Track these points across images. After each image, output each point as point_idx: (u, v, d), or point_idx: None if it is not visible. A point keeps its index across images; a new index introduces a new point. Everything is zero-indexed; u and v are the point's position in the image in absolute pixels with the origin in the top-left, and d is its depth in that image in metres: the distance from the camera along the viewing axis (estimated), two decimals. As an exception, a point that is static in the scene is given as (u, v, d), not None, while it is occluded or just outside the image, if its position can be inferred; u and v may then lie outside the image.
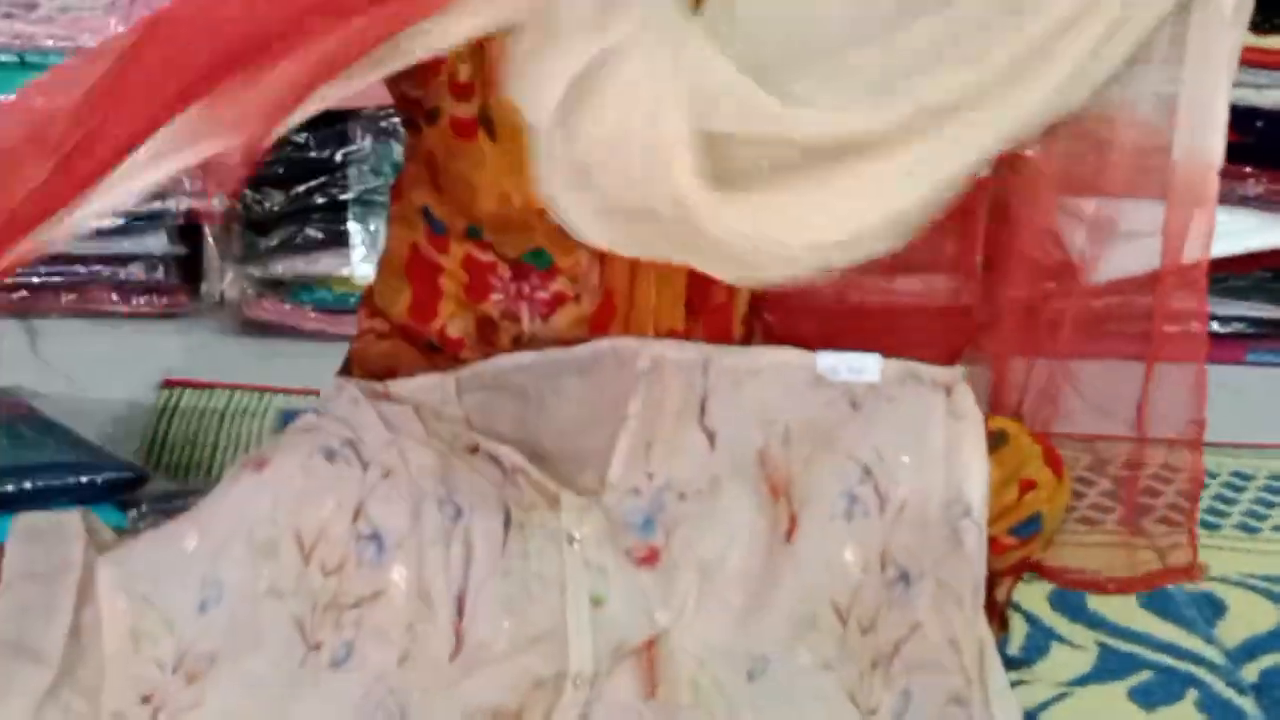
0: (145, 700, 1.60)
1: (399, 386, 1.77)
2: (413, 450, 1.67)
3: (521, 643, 1.67)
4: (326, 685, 1.62)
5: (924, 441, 1.72)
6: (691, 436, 1.77)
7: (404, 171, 1.90)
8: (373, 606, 1.63)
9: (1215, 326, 2.66)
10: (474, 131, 1.74)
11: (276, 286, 2.85)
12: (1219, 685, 1.92)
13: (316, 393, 2.34)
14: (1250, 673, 1.95)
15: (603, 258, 1.77)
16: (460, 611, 1.66)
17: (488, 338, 1.83)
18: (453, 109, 1.74)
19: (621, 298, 1.80)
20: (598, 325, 1.81)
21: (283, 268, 2.83)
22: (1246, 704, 1.89)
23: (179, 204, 2.79)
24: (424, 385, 1.78)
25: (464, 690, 1.66)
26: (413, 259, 1.85)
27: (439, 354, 1.86)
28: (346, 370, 1.91)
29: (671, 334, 1.81)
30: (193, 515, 1.67)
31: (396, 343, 1.89)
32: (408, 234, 1.86)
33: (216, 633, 1.60)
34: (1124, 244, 1.83)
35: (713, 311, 1.86)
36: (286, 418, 2.50)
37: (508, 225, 1.77)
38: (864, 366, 1.77)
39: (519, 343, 1.82)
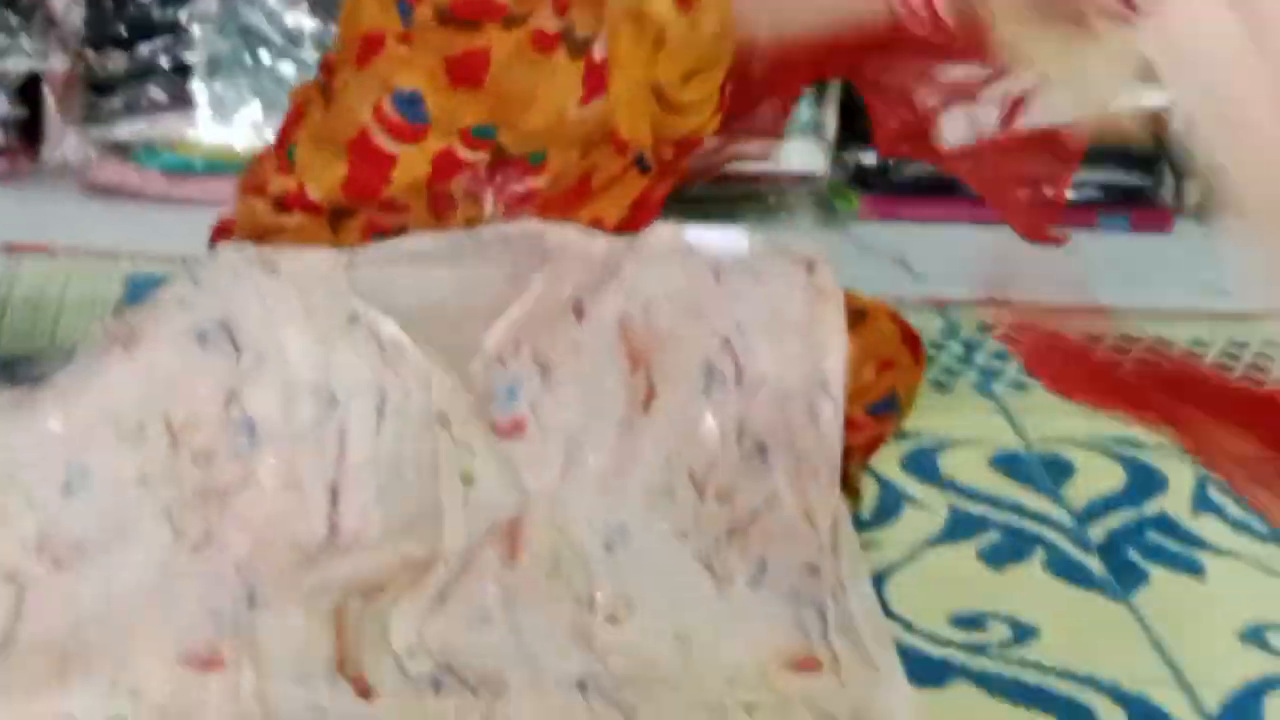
0: (9, 579, 1.57)
1: (288, 261, 1.72)
2: (288, 333, 1.64)
3: (395, 529, 1.66)
4: (185, 571, 1.60)
5: (784, 316, 1.72)
6: (562, 312, 1.77)
7: (380, 54, 1.82)
8: (240, 494, 1.61)
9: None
10: (555, 46, 1.71)
11: (120, 149, 2.80)
12: (1066, 545, 1.95)
13: (162, 257, 2.31)
14: (1096, 533, 1.98)
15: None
16: (334, 500, 1.64)
17: (440, 212, 1.80)
18: (541, 21, 1.71)
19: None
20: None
21: (126, 130, 2.78)
22: (1092, 563, 1.93)
23: (18, 65, 2.73)
24: (315, 260, 1.73)
25: (324, 570, 1.65)
26: (360, 140, 1.80)
27: (345, 222, 1.82)
28: (226, 228, 1.86)
29: (596, 222, 1.80)
30: (57, 394, 1.62)
31: (296, 213, 1.84)
32: (360, 113, 1.79)
33: (82, 519, 1.57)
34: (978, 109, 1.84)
35: (648, 207, 1.85)
36: (132, 282, 2.47)
37: (538, 137, 1.75)
38: (732, 240, 1.77)
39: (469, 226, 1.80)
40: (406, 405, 1.67)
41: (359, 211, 1.81)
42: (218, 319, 1.61)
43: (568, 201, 1.80)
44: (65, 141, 2.81)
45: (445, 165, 1.77)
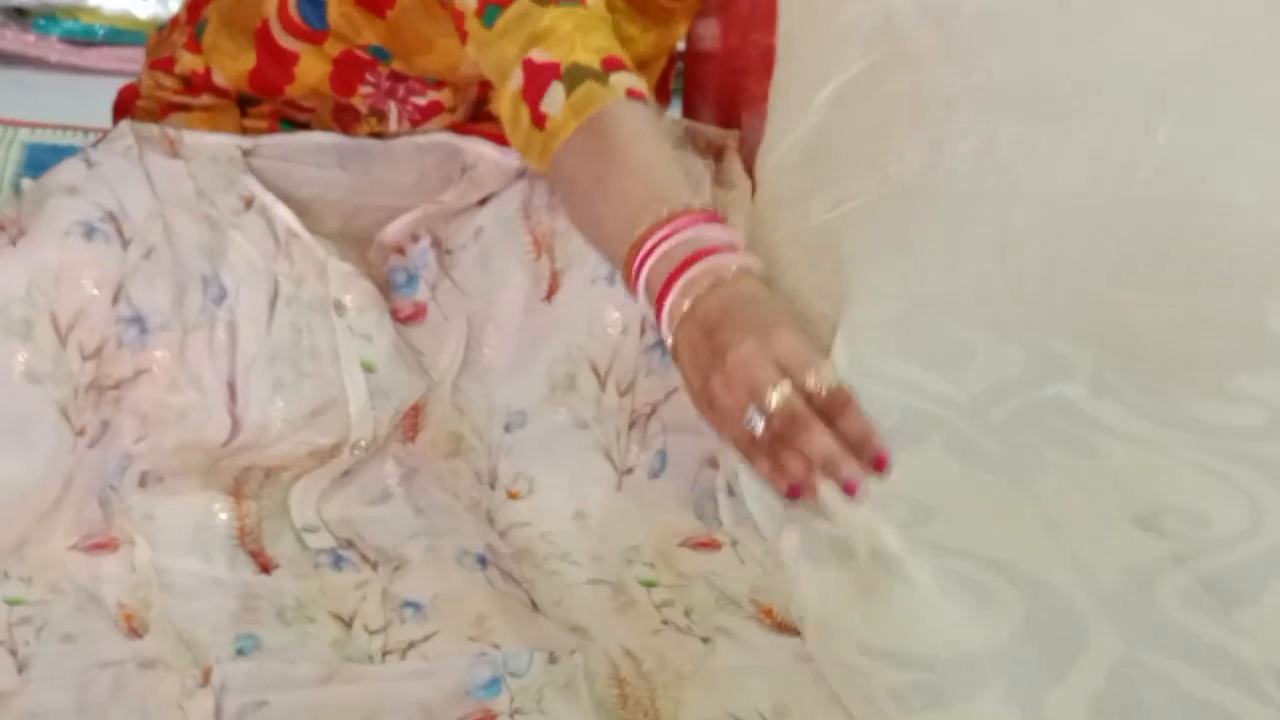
0: None
1: (191, 139, 1.71)
2: (179, 222, 1.63)
3: (299, 421, 1.65)
4: (78, 463, 1.59)
5: None
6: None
7: None
8: (133, 386, 1.60)
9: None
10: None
11: (19, 15, 2.76)
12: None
13: (63, 127, 2.28)
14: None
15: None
16: (233, 396, 1.63)
17: (345, 124, 1.78)
18: None
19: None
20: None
21: (26, -4, 2.74)
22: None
23: (-87, -74, 2.68)
24: (220, 142, 1.73)
25: (226, 462, 1.65)
26: (262, 31, 1.77)
27: (251, 109, 1.80)
28: (124, 107, 1.84)
29: None
30: None
31: (202, 95, 1.81)
32: (266, 4, 1.77)
33: None
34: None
35: None
36: (32, 152, 2.43)
37: (433, 73, 1.73)
38: None
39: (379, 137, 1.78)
40: (299, 293, 1.67)
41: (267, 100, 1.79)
42: (106, 210, 1.59)
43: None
44: (-38, 9, 2.76)
45: (347, 66, 1.75)
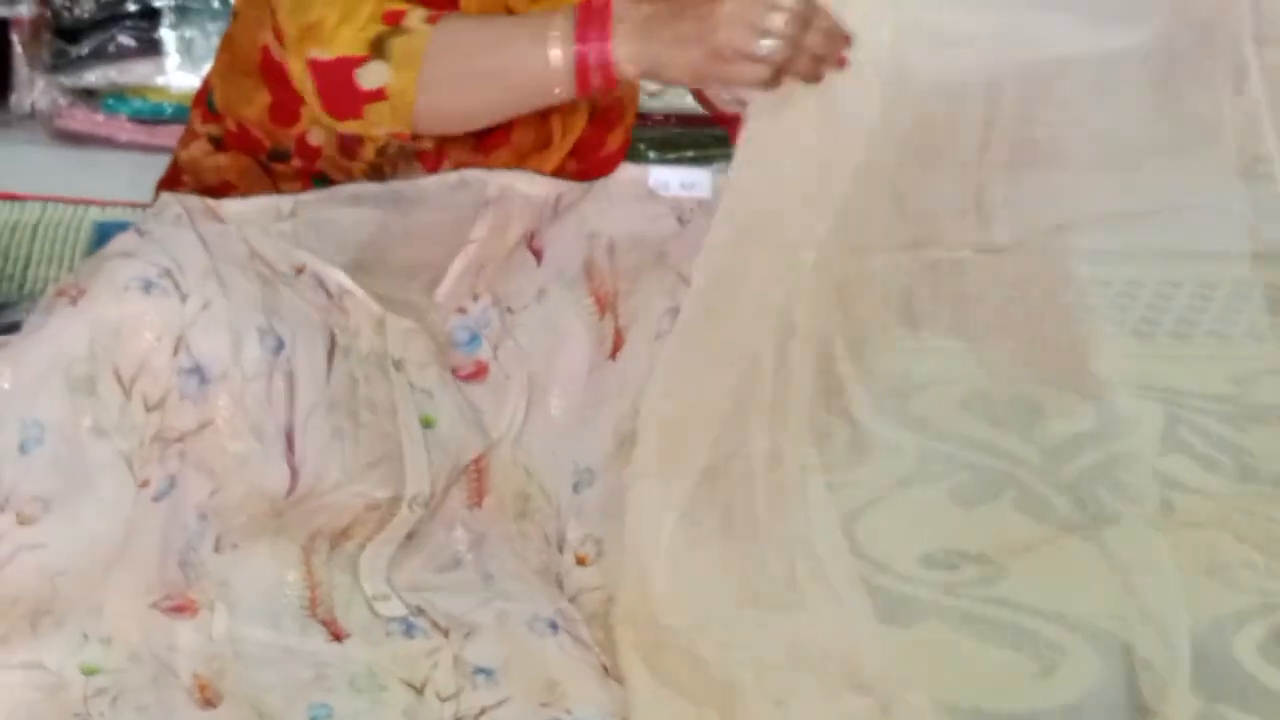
0: None
1: (231, 205, 1.73)
2: (233, 278, 1.63)
3: (356, 471, 1.66)
4: (148, 519, 1.60)
5: None
6: (520, 255, 1.77)
7: None
8: (197, 440, 1.61)
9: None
10: None
11: (88, 96, 2.79)
12: (1035, 483, 1.95)
13: (132, 205, 2.30)
14: (1067, 472, 1.98)
15: None
16: (291, 446, 1.64)
17: (348, 150, 1.79)
18: None
19: (520, 131, 1.79)
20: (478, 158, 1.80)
21: (94, 76, 2.78)
22: (1061, 502, 1.93)
23: (-14, 11, 2.72)
24: (258, 205, 1.74)
25: (290, 518, 1.65)
26: (266, 62, 1.80)
27: (281, 166, 1.82)
28: (173, 179, 1.86)
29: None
30: (4, 351, 1.60)
31: (235, 155, 1.84)
32: (257, 35, 1.80)
33: (42, 474, 1.56)
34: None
35: (600, 161, 1.85)
36: (102, 230, 2.46)
37: None
38: (695, 181, 1.77)
39: (382, 154, 1.79)
40: (356, 345, 1.67)
41: (292, 157, 1.81)
42: (162, 267, 1.60)
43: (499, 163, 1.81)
44: (33, 88, 2.80)
45: None
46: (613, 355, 1.74)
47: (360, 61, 1.66)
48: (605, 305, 1.74)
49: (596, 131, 1.85)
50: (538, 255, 1.76)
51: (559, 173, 1.82)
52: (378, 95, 1.66)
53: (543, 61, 1.64)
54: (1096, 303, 2.15)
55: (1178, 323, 2.25)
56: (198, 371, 1.60)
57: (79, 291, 1.59)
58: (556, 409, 1.75)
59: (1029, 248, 1.98)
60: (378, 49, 1.65)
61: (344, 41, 1.66)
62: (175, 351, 1.59)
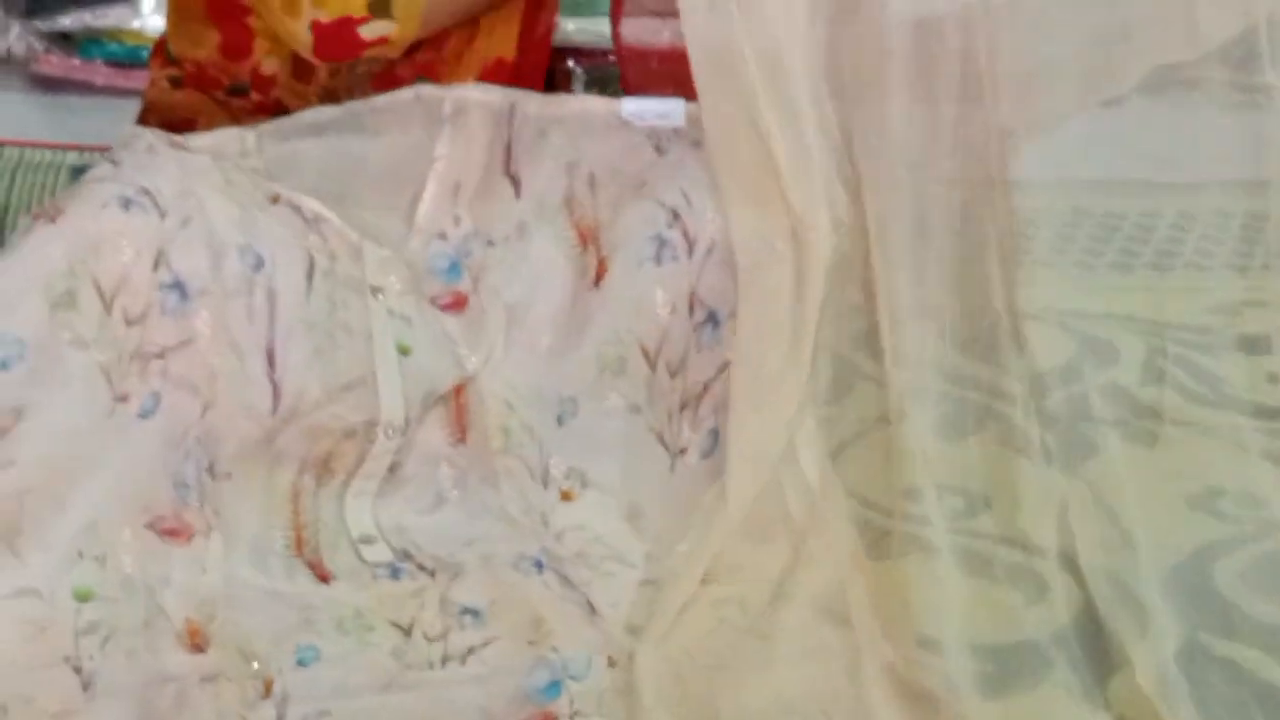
0: None
1: (196, 140, 1.73)
2: (211, 199, 1.65)
3: (334, 391, 1.67)
4: (134, 435, 1.60)
5: None
6: (497, 183, 1.77)
7: None
8: (177, 356, 1.62)
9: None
10: None
11: (64, 40, 2.78)
12: (1016, 416, 1.96)
13: (110, 149, 2.30)
14: (1048, 404, 1.98)
15: None
16: (271, 362, 1.64)
17: (302, 74, 1.80)
18: None
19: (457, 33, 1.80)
20: (427, 60, 1.80)
21: (70, 20, 2.76)
22: (1043, 434, 1.92)
23: (-43, -44, 2.70)
24: (222, 138, 1.74)
25: (280, 445, 1.66)
26: (211, 2, 1.80)
27: (239, 101, 1.83)
28: (143, 120, 1.88)
29: (499, 63, 1.81)
30: None
31: (191, 92, 1.85)
32: None
33: (19, 387, 1.56)
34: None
35: (537, 43, 1.86)
36: (79, 174, 2.45)
37: None
38: (668, 111, 1.77)
39: (335, 76, 1.80)
40: (334, 268, 1.68)
41: (250, 90, 1.82)
42: (140, 186, 1.61)
43: (451, 53, 1.81)
44: (9, 34, 2.78)
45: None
46: (595, 284, 1.74)
47: (362, 20, 1.73)
48: (588, 237, 1.75)
49: (532, 15, 1.86)
50: (516, 185, 1.76)
51: (509, 64, 1.83)
52: (380, 42, 1.76)
53: None
54: (1076, 235, 2.15)
55: (1158, 254, 2.25)
56: (178, 287, 1.61)
57: (57, 211, 1.60)
58: (539, 342, 1.75)
59: (1008, 182, 1.98)
60: (377, 9, 1.73)
61: (342, 3, 1.73)
62: (155, 267, 1.60)
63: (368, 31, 1.71)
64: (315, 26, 1.71)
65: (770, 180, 1.70)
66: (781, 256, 1.72)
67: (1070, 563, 1.72)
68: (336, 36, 1.71)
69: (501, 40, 1.83)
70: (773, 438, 1.70)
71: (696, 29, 1.64)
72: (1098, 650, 1.58)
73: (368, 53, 1.75)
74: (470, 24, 1.81)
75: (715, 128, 1.68)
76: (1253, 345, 1.97)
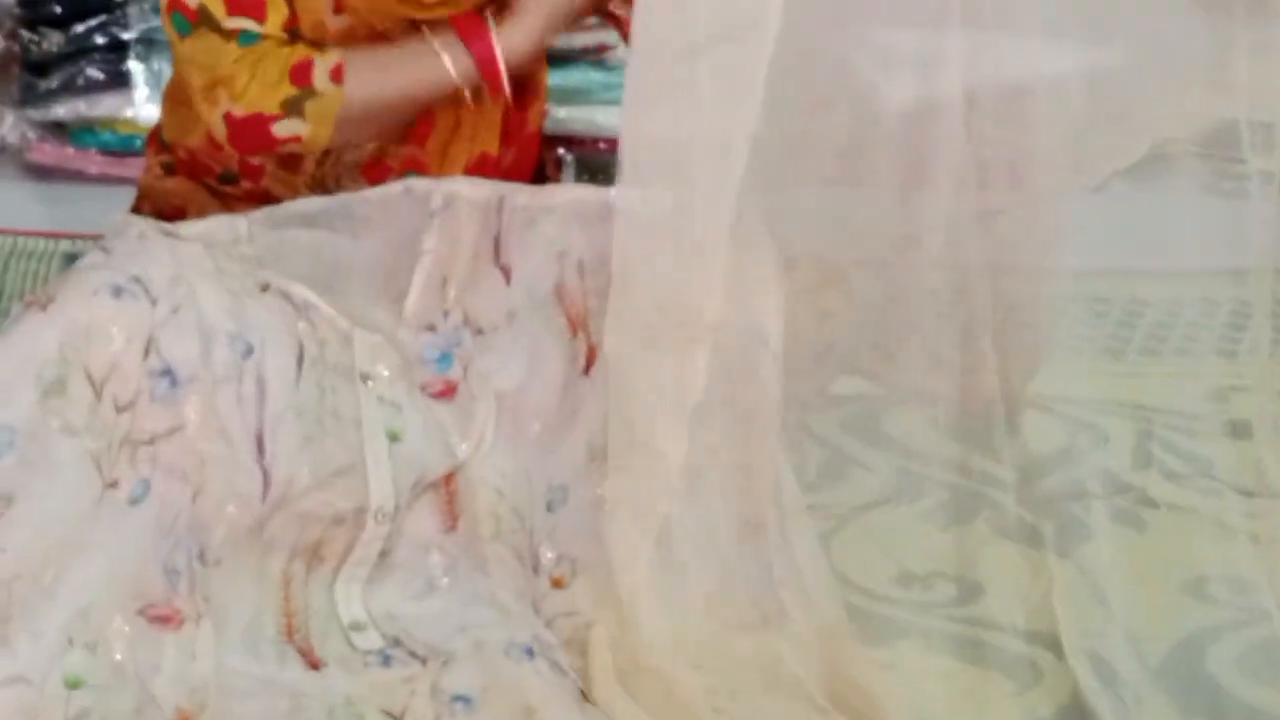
0: None
1: (188, 227, 1.74)
2: (201, 287, 1.65)
3: (324, 477, 1.67)
4: (125, 522, 1.60)
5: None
6: (487, 273, 1.77)
7: None
8: (168, 443, 1.62)
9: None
10: None
11: (58, 129, 2.79)
12: (1008, 502, 1.96)
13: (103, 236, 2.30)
14: (1039, 490, 1.99)
15: None
16: (261, 449, 1.65)
17: (289, 164, 1.81)
18: None
19: (443, 119, 1.81)
20: (412, 153, 1.81)
21: (64, 110, 2.77)
22: (1035, 520, 1.93)
23: (-47, 48, 2.72)
24: (214, 225, 1.75)
25: (269, 532, 1.66)
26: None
27: (230, 188, 1.84)
28: (136, 208, 1.88)
29: (484, 158, 1.82)
30: None
31: (183, 180, 1.86)
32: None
33: (9, 473, 1.56)
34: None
35: (524, 140, 1.87)
36: (73, 262, 2.45)
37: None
38: (655, 200, 1.77)
39: (322, 166, 1.81)
40: (324, 355, 1.68)
41: (240, 179, 1.83)
42: (131, 274, 1.62)
43: (435, 147, 1.82)
44: (3, 123, 2.79)
45: None
46: (586, 371, 1.75)
47: (274, 119, 1.74)
48: (578, 324, 1.75)
49: (517, 112, 1.87)
50: (506, 274, 1.77)
51: (493, 159, 1.85)
52: (293, 140, 1.76)
53: (444, 74, 1.76)
54: (1067, 320, 2.16)
55: (1147, 339, 2.26)
56: (168, 374, 1.61)
57: (48, 299, 1.61)
58: (529, 429, 1.75)
59: (999, 267, 1.99)
60: (291, 109, 1.74)
61: (255, 100, 1.74)
62: (145, 354, 1.61)
63: (280, 129, 1.73)
64: (229, 119, 1.72)
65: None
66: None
67: (1061, 650, 1.72)
68: (249, 131, 1.74)
69: (485, 136, 1.84)
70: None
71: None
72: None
73: (284, 149, 1.75)
74: (453, 120, 1.82)
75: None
76: (1240, 430, 1.98)
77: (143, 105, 2.76)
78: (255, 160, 1.82)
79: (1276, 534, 1.86)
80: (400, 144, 1.83)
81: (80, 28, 2.75)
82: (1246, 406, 1.97)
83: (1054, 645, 1.73)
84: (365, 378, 1.71)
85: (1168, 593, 1.83)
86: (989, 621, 1.78)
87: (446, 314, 1.77)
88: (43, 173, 2.79)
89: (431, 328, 1.77)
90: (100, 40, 2.76)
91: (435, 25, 1.78)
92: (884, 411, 2.11)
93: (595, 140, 2.75)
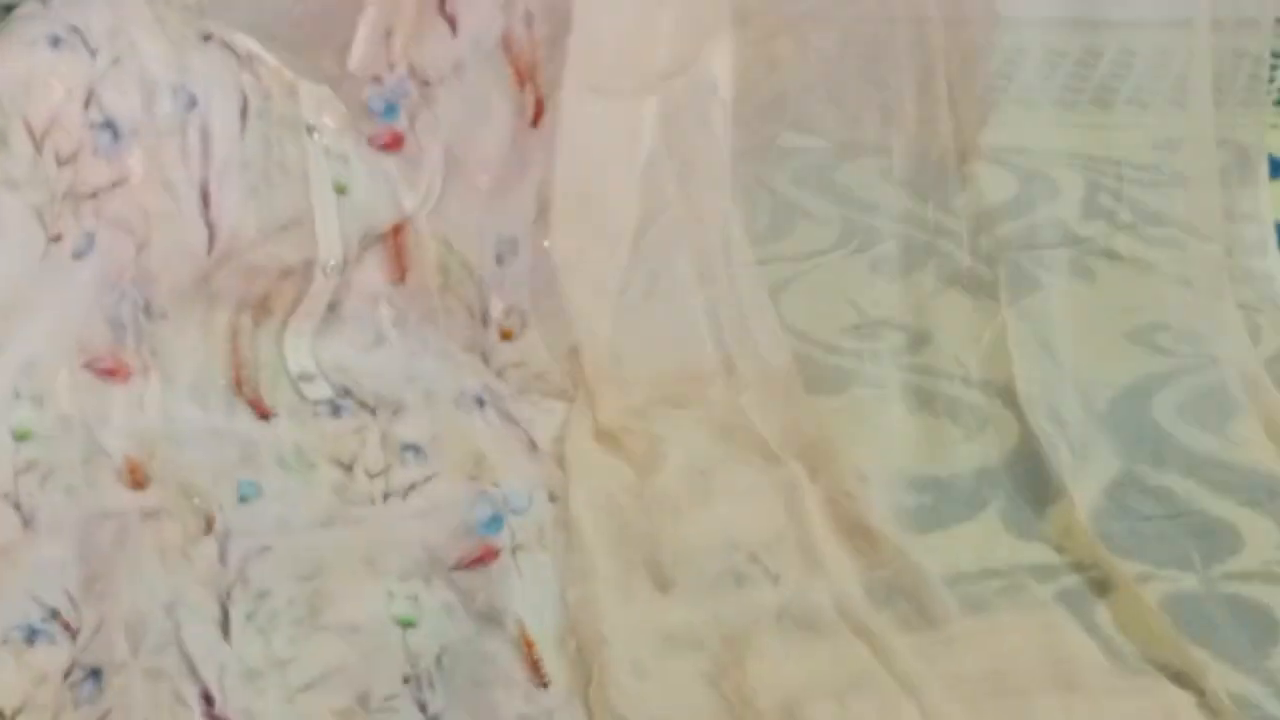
0: None
1: None
2: (142, 37, 1.63)
3: (270, 230, 1.66)
4: (69, 276, 1.59)
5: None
6: (433, 23, 1.75)
7: None
8: (111, 196, 1.60)
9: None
10: None
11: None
12: (957, 252, 1.96)
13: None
14: (988, 240, 1.99)
15: None
16: (206, 202, 1.63)
17: None
18: None
19: None
20: None
21: None
22: (984, 270, 1.93)
23: None
24: None
25: (215, 285, 1.66)
26: None
27: None
28: None
29: None
30: None
31: None
32: None
33: None
34: None
35: None
36: (8, 12, 2.42)
37: None
38: None
39: None
40: (268, 107, 1.67)
41: None
42: (69, 24, 1.60)
43: None
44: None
45: None
46: (534, 123, 1.73)
47: None
48: (525, 76, 1.74)
49: None
50: (452, 24, 1.74)
51: None
52: None
53: None
54: (1019, 72, 2.15)
55: (1099, 90, 2.25)
56: (110, 126, 1.60)
57: None
58: (477, 180, 1.74)
59: (950, 19, 1.97)
60: None
61: None
62: (86, 106, 1.59)
63: None
64: None
65: None
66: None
67: (1009, 396, 1.74)
68: None
69: None
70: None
71: None
72: (1034, 482, 1.60)
73: None
74: None
75: None
76: (1188, 181, 1.98)
77: None
78: None
79: (1222, 282, 1.87)
80: None
81: None
82: (1193, 157, 1.97)
83: (1002, 393, 1.74)
84: (311, 130, 1.69)
85: (1116, 341, 1.85)
86: (938, 370, 1.79)
87: (392, 66, 1.75)
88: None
89: (377, 79, 1.75)
90: None
91: None
92: (835, 163, 2.11)
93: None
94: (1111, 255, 1.97)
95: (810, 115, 1.97)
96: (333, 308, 1.70)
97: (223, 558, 1.47)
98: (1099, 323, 1.87)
